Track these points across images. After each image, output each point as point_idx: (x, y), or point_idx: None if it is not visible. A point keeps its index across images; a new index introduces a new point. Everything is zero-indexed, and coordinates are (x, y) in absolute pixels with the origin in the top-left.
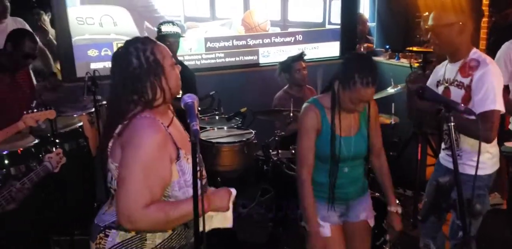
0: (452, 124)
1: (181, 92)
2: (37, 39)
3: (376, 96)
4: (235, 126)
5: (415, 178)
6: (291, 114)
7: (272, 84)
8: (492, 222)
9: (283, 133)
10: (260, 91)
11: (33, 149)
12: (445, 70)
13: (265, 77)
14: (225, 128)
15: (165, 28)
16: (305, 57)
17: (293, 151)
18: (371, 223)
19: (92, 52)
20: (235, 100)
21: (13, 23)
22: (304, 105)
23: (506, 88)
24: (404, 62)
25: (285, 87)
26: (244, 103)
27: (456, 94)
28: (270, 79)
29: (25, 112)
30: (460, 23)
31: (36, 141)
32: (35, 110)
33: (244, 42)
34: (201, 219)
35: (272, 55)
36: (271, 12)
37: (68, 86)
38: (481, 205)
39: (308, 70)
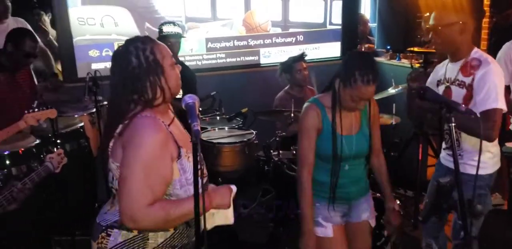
0: (453, 124)
1: (181, 92)
2: (38, 38)
3: (377, 97)
4: (236, 127)
5: (416, 179)
6: (292, 115)
7: (273, 85)
8: (493, 222)
9: (284, 133)
10: (261, 92)
11: (34, 150)
12: (446, 69)
13: (266, 77)
14: (226, 128)
15: (167, 29)
16: (306, 58)
17: (294, 152)
18: (373, 223)
19: (93, 53)
20: (236, 101)
21: (14, 23)
22: (305, 104)
23: (507, 89)
24: (405, 62)
25: (286, 88)
26: (245, 104)
27: (458, 94)
28: (271, 80)
29: (26, 112)
30: (461, 22)
31: (37, 141)
32: (36, 110)
33: (245, 43)
34: (203, 217)
35: (273, 56)
36: (272, 12)
37: (69, 86)
38: (482, 205)
39: (309, 70)
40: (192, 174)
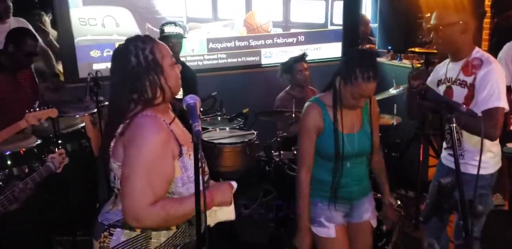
0: (454, 125)
1: (181, 92)
2: (38, 36)
3: (378, 97)
4: (237, 127)
5: (417, 179)
6: (293, 115)
7: (274, 85)
8: (494, 223)
9: (285, 134)
10: (262, 92)
11: (35, 150)
12: (447, 69)
13: (267, 78)
14: (227, 129)
15: (168, 29)
16: (307, 58)
17: (295, 152)
18: (374, 224)
19: (95, 53)
20: (237, 101)
21: (15, 23)
22: (306, 104)
23: (508, 89)
24: (406, 63)
25: (287, 88)
26: (246, 104)
27: (459, 93)
28: (272, 80)
29: (27, 111)
30: (463, 22)
31: (39, 141)
32: (37, 109)
33: (246, 43)
34: (204, 216)
35: (274, 56)
36: (273, 13)
37: (71, 86)
38: (483, 206)
39: (310, 71)
40: (193, 172)
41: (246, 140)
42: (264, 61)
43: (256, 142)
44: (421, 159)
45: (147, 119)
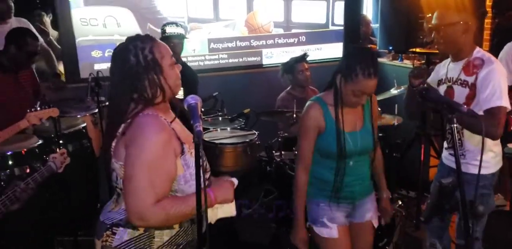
0: (455, 125)
1: (182, 93)
2: (39, 36)
3: (379, 97)
4: (238, 127)
5: (418, 179)
6: (294, 115)
7: (276, 85)
8: (495, 223)
9: (286, 134)
10: (263, 92)
11: (37, 150)
12: (447, 69)
13: (268, 78)
14: (228, 129)
15: (169, 30)
16: (308, 58)
17: (296, 152)
18: (375, 224)
19: (96, 53)
20: (238, 101)
21: (17, 23)
22: (307, 103)
23: (509, 89)
24: (407, 63)
25: (288, 88)
26: (247, 104)
27: (460, 93)
28: (273, 80)
29: (28, 111)
30: (464, 22)
31: (40, 142)
32: (38, 109)
33: (247, 43)
34: (207, 213)
35: (276, 56)
36: (274, 13)
37: (72, 87)
38: (484, 206)
39: (311, 71)
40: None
41: (247, 140)
42: (265, 61)
43: (257, 142)
44: (422, 159)
45: (148, 119)
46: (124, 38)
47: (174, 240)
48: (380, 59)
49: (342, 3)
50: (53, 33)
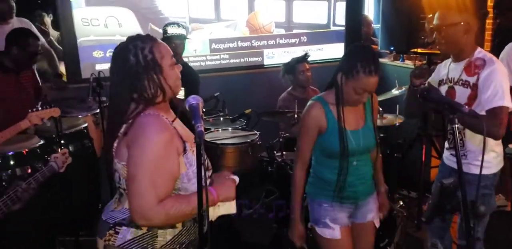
0: (457, 125)
1: (183, 93)
2: (40, 36)
3: (380, 98)
4: (240, 128)
5: (420, 180)
6: (295, 116)
7: (277, 86)
8: (497, 223)
9: (287, 134)
10: (264, 93)
11: (38, 150)
12: (449, 69)
13: (269, 78)
14: (230, 129)
15: (171, 30)
16: (310, 59)
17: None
18: (377, 224)
19: (97, 53)
20: (240, 102)
21: (19, 23)
22: (308, 102)
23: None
24: (409, 63)
25: (289, 89)
26: (248, 105)
27: (462, 93)
28: (274, 81)
29: (30, 111)
30: (465, 22)
31: (41, 142)
32: (39, 108)
33: (248, 44)
34: (209, 211)
35: (277, 57)
36: (275, 13)
37: (73, 87)
38: (485, 206)
39: (313, 71)
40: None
41: (248, 140)
42: (267, 61)
43: (258, 143)
44: (423, 159)
45: (149, 119)
46: (125, 39)
47: (177, 239)
48: (381, 60)
49: (344, 4)
50: (54, 34)
